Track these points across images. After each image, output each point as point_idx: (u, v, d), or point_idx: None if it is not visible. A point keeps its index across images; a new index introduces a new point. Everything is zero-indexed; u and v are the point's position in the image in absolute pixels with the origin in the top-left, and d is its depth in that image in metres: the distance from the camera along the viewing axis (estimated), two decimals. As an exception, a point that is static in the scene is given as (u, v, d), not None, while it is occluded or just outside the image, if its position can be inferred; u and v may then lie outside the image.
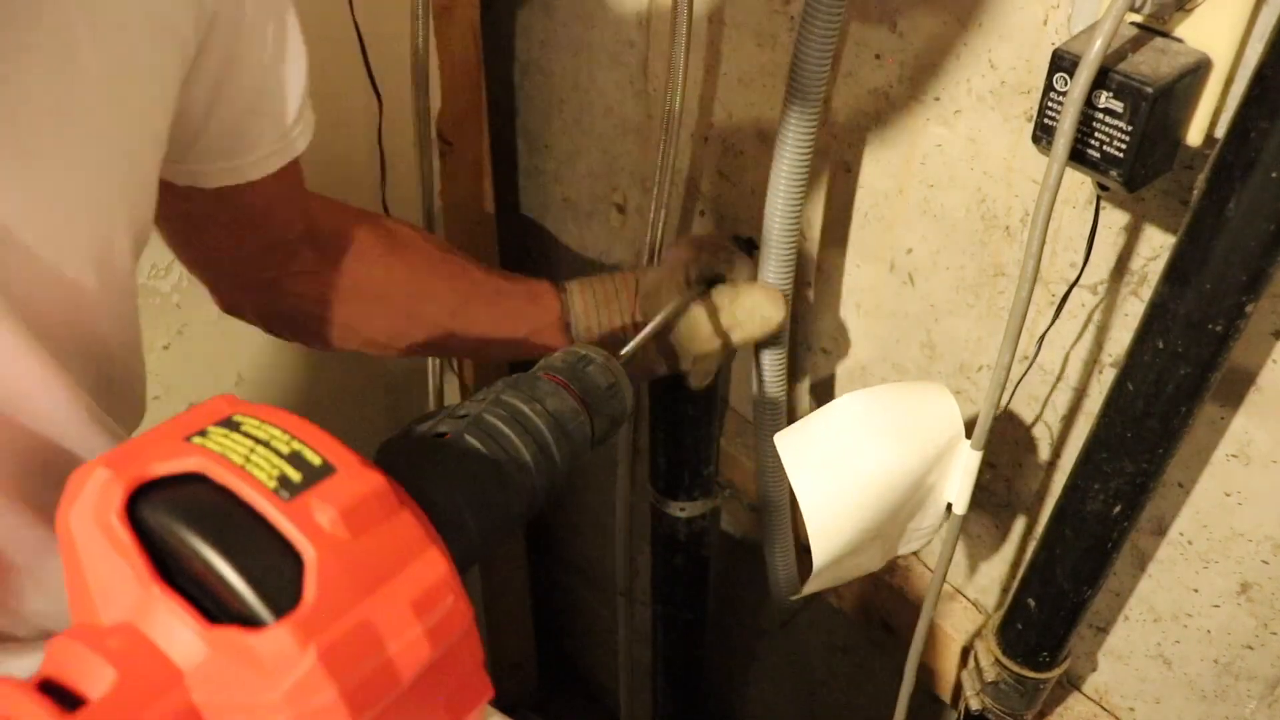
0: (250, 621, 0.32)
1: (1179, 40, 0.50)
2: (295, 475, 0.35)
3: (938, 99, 0.68)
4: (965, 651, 0.82)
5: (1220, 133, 0.50)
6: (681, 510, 0.95)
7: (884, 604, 0.89)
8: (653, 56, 0.88)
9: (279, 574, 0.34)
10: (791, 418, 0.92)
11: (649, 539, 1.03)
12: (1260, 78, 0.45)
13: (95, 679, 0.32)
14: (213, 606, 0.33)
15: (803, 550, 0.86)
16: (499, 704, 0.59)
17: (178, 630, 0.33)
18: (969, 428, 0.66)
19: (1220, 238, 0.48)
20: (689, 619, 1.08)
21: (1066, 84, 0.50)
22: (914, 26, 0.67)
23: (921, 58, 0.67)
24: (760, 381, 0.80)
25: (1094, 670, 0.80)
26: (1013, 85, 0.63)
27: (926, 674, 0.85)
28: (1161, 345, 0.53)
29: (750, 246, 0.77)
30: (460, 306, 0.72)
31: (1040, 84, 0.54)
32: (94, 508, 0.35)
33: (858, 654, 1.05)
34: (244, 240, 0.63)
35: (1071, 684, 0.81)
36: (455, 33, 0.97)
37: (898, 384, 0.67)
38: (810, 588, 0.71)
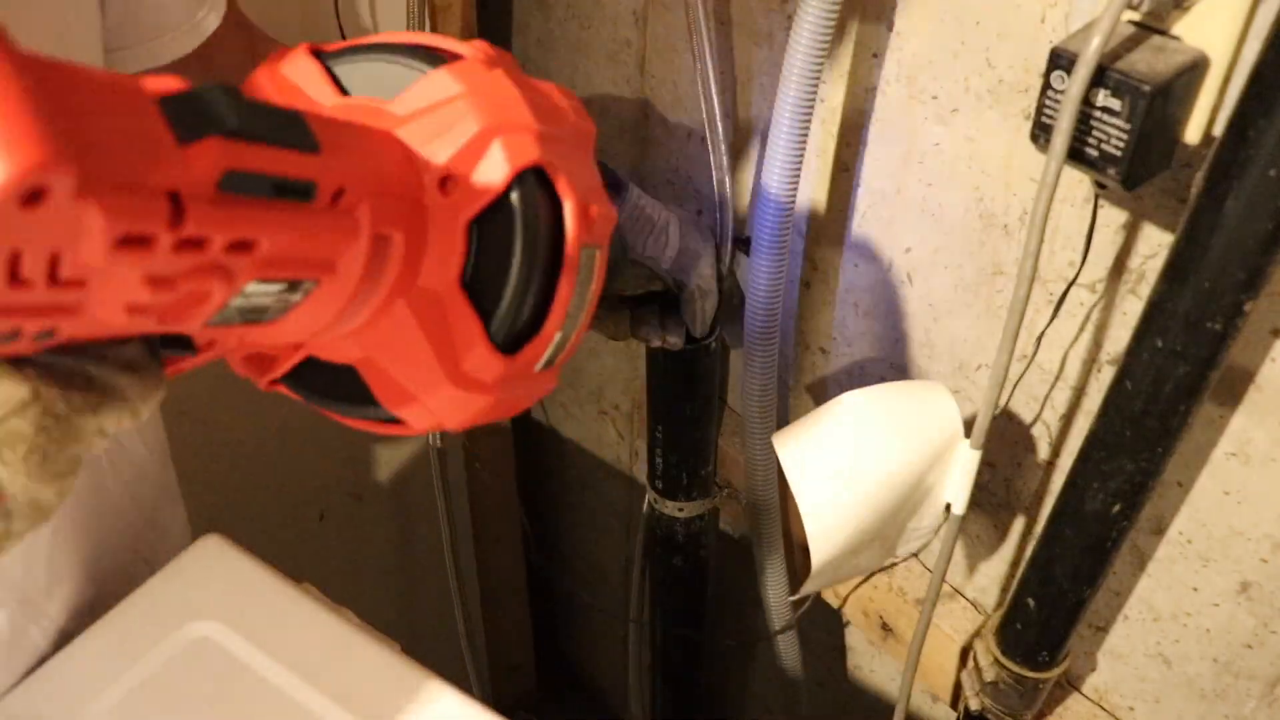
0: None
1: (1177, 38, 0.50)
2: None
3: (935, 97, 0.67)
4: (964, 651, 0.81)
5: (1218, 131, 0.50)
6: (680, 510, 0.95)
7: (883, 604, 0.89)
8: (649, 55, 0.88)
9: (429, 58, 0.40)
10: (790, 418, 0.92)
11: (646, 539, 1.03)
12: (1258, 76, 0.45)
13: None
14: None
15: (801, 550, 0.85)
16: (497, 706, 0.59)
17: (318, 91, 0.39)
18: (968, 427, 0.65)
19: (1218, 236, 0.48)
20: (687, 620, 1.08)
21: (1064, 82, 0.50)
22: (911, 25, 0.67)
23: (919, 56, 0.67)
24: (749, 380, 0.80)
25: (1093, 670, 0.79)
26: (1011, 84, 0.63)
27: (926, 674, 0.85)
28: (1160, 344, 0.53)
29: (746, 245, 0.77)
30: None
31: (1038, 82, 0.54)
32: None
33: (857, 654, 1.05)
34: None
35: (1071, 684, 0.81)
36: (451, 31, 0.97)
37: (896, 383, 0.67)
38: (808, 588, 0.71)
